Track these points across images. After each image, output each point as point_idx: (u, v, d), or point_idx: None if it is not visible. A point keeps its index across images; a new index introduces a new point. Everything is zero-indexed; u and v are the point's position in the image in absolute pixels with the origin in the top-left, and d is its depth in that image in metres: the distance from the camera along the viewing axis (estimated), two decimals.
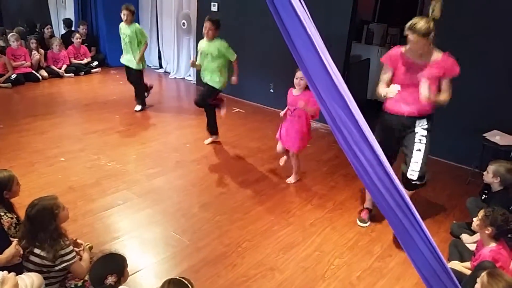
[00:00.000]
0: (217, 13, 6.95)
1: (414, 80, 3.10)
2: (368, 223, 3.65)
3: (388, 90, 3.13)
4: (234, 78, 4.89)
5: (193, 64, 4.97)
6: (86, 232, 3.27)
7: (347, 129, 1.30)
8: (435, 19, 2.95)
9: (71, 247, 2.56)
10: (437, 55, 3.12)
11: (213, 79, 4.80)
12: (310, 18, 1.30)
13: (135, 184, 4.07)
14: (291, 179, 4.35)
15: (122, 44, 6.05)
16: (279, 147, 4.28)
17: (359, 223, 3.66)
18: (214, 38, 4.71)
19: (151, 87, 6.56)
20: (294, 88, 4.04)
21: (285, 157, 4.39)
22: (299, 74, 3.88)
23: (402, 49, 3.20)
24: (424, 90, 3.01)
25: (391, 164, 1.44)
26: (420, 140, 3.23)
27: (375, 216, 3.70)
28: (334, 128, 1.33)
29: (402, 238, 1.37)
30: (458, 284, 1.35)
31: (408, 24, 3.00)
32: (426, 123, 3.24)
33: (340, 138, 1.33)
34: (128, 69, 6.17)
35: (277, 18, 1.29)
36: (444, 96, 3.15)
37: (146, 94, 6.44)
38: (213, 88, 4.84)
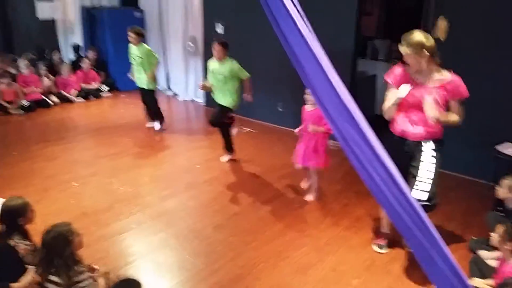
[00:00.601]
0: (222, 34, 7.03)
1: (418, 99, 2.97)
2: (386, 250, 3.50)
3: (397, 93, 3.00)
4: (248, 96, 5.01)
5: (204, 87, 5.04)
6: (101, 257, 3.25)
7: (359, 148, 1.29)
8: (438, 39, 2.88)
9: (87, 273, 2.55)
10: (442, 75, 3.00)
11: (226, 99, 4.87)
12: (315, 37, 1.31)
13: (148, 207, 4.07)
14: (309, 197, 4.33)
15: (134, 66, 6.13)
16: (298, 165, 4.28)
17: (376, 248, 3.50)
18: (225, 59, 4.79)
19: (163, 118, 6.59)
20: (305, 104, 4.08)
21: (306, 179, 4.38)
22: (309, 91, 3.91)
23: (405, 66, 3.12)
24: (430, 109, 2.88)
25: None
26: (430, 160, 3.07)
27: (391, 235, 3.64)
28: (346, 147, 1.32)
29: (421, 257, 1.34)
30: None
31: (403, 36, 2.92)
32: (434, 145, 3.09)
33: (353, 157, 1.32)
34: (141, 90, 6.23)
35: (284, 42, 1.29)
36: (453, 118, 3.00)
37: (159, 125, 6.45)
38: (227, 108, 4.90)
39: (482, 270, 3.06)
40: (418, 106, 2.98)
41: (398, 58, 6.89)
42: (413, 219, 1.28)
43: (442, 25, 2.84)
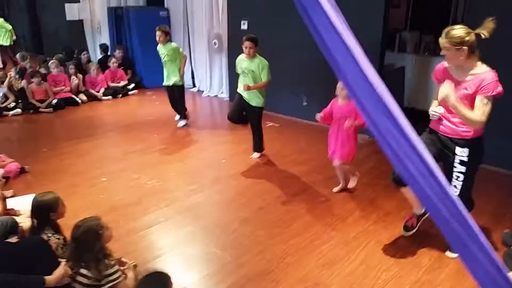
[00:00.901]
0: (247, 31, 7.03)
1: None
2: (413, 231, 3.47)
3: (431, 112, 3.03)
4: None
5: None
6: (130, 250, 3.29)
7: (396, 141, 1.25)
8: (480, 35, 2.73)
9: (116, 267, 2.59)
10: (479, 70, 2.84)
11: (255, 98, 4.84)
12: (349, 28, 1.27)
13: (175, 201, 4.11)
14: (352, 183, 4.34)
15: (163, 65, 6.21)
16: (336, 162, 4.21)
17: (402, 231, 3.49)
18: (255, 56, 4.76)
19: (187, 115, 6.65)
20: (336, 98, 4.06)
21: (340, 185, 4.36)
22: (340, 84, 3.87)
23: (446, 63, 3.00)
24: (446, 88, 2.78)
25: None
26: (460, 167, 2.99)
27: (420, 228, 3.57)
28: (382, 140, 1.28)
29: (460, 250, 1.30)
30: None
31: (445, 30, 2.82)
32: (467, 153, 2.96)
33: (389, 150, 1.28)
34: (170, 88, 6.29)
35: (315, 33, 1.27)
36: (470, 114, 2.76)
37: (184, 122, 6.52)
38: (258, 108, 4.90)
39: None
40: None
41: (427, 50, 6.82)
42: (451, 212, 1.23)
43: (490, 24, 2.72)
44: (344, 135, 4.04)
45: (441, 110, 2.99)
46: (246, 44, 4.71)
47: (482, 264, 1.24)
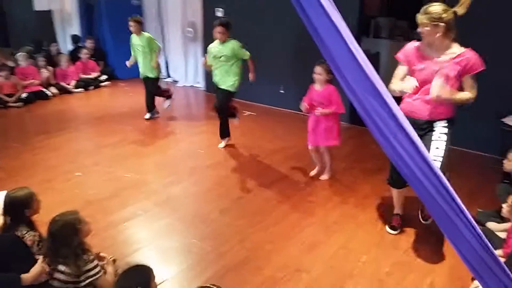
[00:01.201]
0: (222, 18, 6.94)
1: (431, 78, 2.87)
2: (398, 231, 3.44)
3: (404, 86, 2.97)
4: (251, 75, 4.91)
5: (205, 64, 4.94)
6: (108, 245, 3.23)
7: (382, 120, 1.25)
8: (457, 12, 2.77)
9: (95, 262, 2.53)
10: (457, 50, 2.90)
11: (227, 82, 4.80)
12: (336, 8, 1.25)
13: (153, 194, 4.05)
14: (324, 176, 4.32)
15: (137, 55, 6.08)
16: (310, 146, 4.25)
17: (389, 230, 3.43)
18: (227, 40, 4.71)
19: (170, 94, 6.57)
20: (313, 83, 4.06)
21: (316, 168, 4.37)
22: (317, 69, 3.90)
23: (418, 43, 3.03)
24: (435, 87, 2.81)
25: None
26: (439, 137, 3.01)
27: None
28: (368, 120, 1.27)
29: (447, 228, 1.31)
30: (508, 270, 1.29)
31: (423, 7, 2.84)
32: (445, 123, 3.04)
33: (375, 130, 1.28)
34: (145, 79, 6.17)
35: (302, 13, 1.24)
36: (463, 95, 2.90)
37: (168, 102, 6.47)
38: (228, 91, 4.84)
39: (491, 241, 3.02)
40: (428, 83, 2.90)
41: (401, 35, 6.88)
42: (437, 189, 1.25)
43: (466, 0, 2.75)
44: (325, 119, 4.04)
45: (412, 84, 2.95)
46: (219, 29, 4.65)
47: (468, 241, 1.26)
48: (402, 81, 3.05)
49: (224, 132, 5.16)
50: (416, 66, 3.00)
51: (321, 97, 3.97)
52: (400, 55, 3.14)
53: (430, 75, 2.90)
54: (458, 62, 2.87)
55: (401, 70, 3.13)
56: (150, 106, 6.33)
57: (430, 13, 2.79)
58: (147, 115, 6.32)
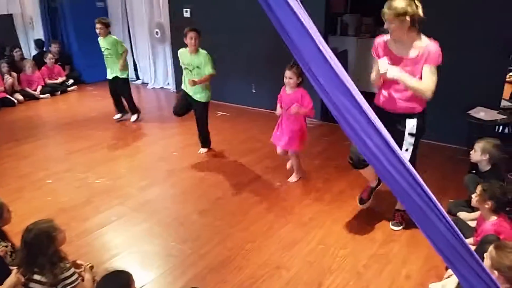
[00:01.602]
0: (190, 18, 6.91)
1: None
2: (368, 202, 3.60)
3: (376, 68, 2.99)
4: (196, 81, 4.57)
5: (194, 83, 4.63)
6: (84, 252, 3.17)
7: (353, 118, 1.28)
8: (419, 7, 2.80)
9: (72, 270, 2.48)
10: (421, 43, 2.91)
11: (199, 93, 4.71)
12: (302, 8, 1.28)
13: (128, 198, 3.99)
14: (292, 178, 4.29)
15: (104, 59, 5.98)
16: (279, 150, 4.22)
17: (358, 204, 3.62)
18: (199, 50, 4.59)
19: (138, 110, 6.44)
20: (284, 87, 4.03)
21: (289, 161, 4.37)
22: (287, 73, 3.86)
23: (386, 37, 3.04)
24: (382, 65, 2.88)
25: None
26: (409, 141, 3.07)
27: (372, 205, 3.71)
28: (340, 118, 1.30)
29: (419, 219, 1.36)
30: (477, 257, 1.35)
31: (387, 2, 2.84)
32: (414, 126, 3.05)
33: (347, 127, 1.31)
34: (112, 81, 6.06)
35: (269, 11, 1.26)
36: (418, 84, 2.88)
37: (135, 116, 6.34)
38: (203, 102, 4.78)
39: (462, 230, 3.12)
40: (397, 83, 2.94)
41: (367, 32, 7.02)
42: (409, 183, 1.29)
43: None
44: (292, 124, 4.02)
45: (383, 63, 2.94)
46: (192, 35, 4.46)
47: (441, 232, 1.31)
48: None
49: (205, 140, 5.09)
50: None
51: (292, 101, 3.93)
52: (374, 51, 3.14)
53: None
54: (420, 56, 2.90)
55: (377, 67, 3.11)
56: (120, 107, 6.26)
57: (395, 8, 2.78)
58: (133, 118, 6.25)
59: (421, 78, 2.91)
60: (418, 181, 1.29)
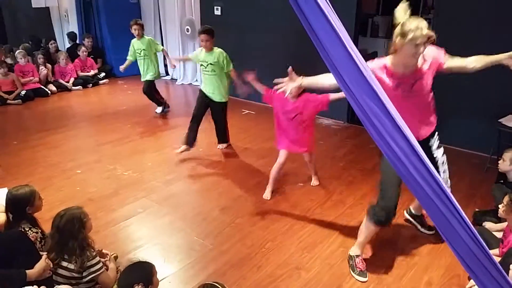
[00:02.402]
0: (220, 16, 6.97)
1: (409, 95, 2.57)
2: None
3: None
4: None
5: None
6: (109, 242, 3.27)
7: (379, 121, 1.28)
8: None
9: (97, 258, 2.57)
10: (421, 58, 2.53)
11: (217, 93, 4.80)
12: (334, 11, 1.29)
13: (153, 192, 4.08)
14: (315, 182, 4.26)
15: (138, 59, 6.14)
16: (285, 156, 3.94)
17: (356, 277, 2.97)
18: (213, 49, 4.68)
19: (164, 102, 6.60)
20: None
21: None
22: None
23: (386, 61, 2.58)
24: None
25: None
26: (443, 162, 2.91)
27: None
28: (366, 120, 1.31)
29: (442, 227, 1.35)
30: (501, 268, 1.33)
31: (398, 29, 2.39)
32: (437, 140, 2.86)
33: (373, 130, 1.31)
34: (146, 82, 6.25)
35: (300, 14, 1.27)
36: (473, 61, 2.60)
37: (160, 108, 6.52)
38: (221, 102, 4.88)
39: (487, 241, 3.08)
40: (409, 102, 2.57)
41: None
42: (433, 188, 1.28)
43: None
44: (305, 129, 3.83)
45: None
46: (202, 37, 4.59)
47: (465, 241, 1.30)
48: None
49: (223, 137, 5.17)
50: (388, 85, 2.55)
51: (298, 108, 3.74)
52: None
53: (408, 94, 2.58)
54: (430, 68, 2.60)
55: None
56: (158, 101, 6.44)
57: (428, 32, 2.36)
58: (159, 109, 6.43)
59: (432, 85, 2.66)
60: (442, 187, 1.29)
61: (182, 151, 4.88)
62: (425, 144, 2.81)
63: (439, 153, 2.90)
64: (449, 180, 2.98)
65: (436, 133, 2.89)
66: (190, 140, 4.90)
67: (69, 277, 2.46)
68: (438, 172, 2.89)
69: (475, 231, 1.31)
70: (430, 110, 2.79)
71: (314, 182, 4.29)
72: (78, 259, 2.42)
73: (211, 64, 4.68)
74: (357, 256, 3.02)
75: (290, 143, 3.89)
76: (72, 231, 2.44)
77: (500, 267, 1.34)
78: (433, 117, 2.82)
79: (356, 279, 2.91)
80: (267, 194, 4.00)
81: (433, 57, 2.59)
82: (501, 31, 4.44)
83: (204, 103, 4.93)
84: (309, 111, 3.76)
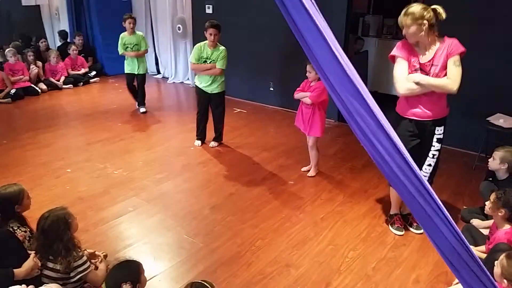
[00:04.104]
0: (212, 15, 6.96)
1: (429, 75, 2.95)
2: (403, 231, 3.45)
3: (414, 78, 2.95)
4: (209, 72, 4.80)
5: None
6: (99, 241, 3.27)
7: (363, 120, 1.29)
8: (436, 10, 2.84)
9: (84, 257, 2.56)
10: (439, 43, 2.95)
11: (218, 86, 4.87)
12: (318, 10, 1.29)
13: (144, 190, 4.08)
14: (311, 173, 4.38)
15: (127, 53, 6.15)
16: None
17: (394, 231, 3.43)
18: (217, 45, 4.75)
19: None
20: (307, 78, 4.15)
21: (309, 166, 4.46)
22: (308, 67, 3.99)
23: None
24: (410, 77, 2.97)
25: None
26: (435, 146, 3.14)
27: (385, 208, 3.70)
28: (350, 120, 1.32)
29: (425, 224, 1.36)
30: (482, 264, 1.35)
31: (404, 9, 2.90)
32: (442, 131, 3.13)
33: (357, 129, 1.32)
34: (131, 76, 6.26)
35: (285, 13, 1.28)
36: (441, 81, 2.90)
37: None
38: (222, 91, 4.94)
39: (474, 237, 3.14)
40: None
41: (388, 34, 6.97)
42: (416, 187, 1.29)
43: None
44: (312, 112, 4.13)
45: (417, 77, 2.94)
46: (211, 31, 4.61)
47: (447, 238, 1.31)
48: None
49: (220, 134, 5.22)
50: (412, 67, 3.01)
51: (311, 91, 4.08)
52: (397, 52, 3.05)
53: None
54: (441, 54, 2.93)
55: (403, 66, 3.02)
56: (142, 100, 6.43)
57: (413, 13, 2.84)
58: (143, 109, 6.41)
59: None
60: (425, 186, 1.30)
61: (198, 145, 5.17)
62: (431, 128, 3.10)
63: (436, 146, 3.14)
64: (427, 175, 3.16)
65: (443, 126, 3.12)
66: (203, 136, 5.20)
67: (56, 278, 2.44)
68: (425, 160, 3.13)
69: (458, 229, 1.33)
70: (441, 96, 3.04)
71: (311, 173, 4.35)
72: (64, 260, 2.41)
73: (213, 61, 4.74)
74: (396, 214, 3.48)
75: (301, 121, 4.27)
76: (57, 233, 2.42)
77: (482, 264, 1.36)
78: (444, 106, 3.09)
79: (394, 233, 3.38)
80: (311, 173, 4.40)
81: (449, 44, 2.91)
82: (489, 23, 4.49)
83: (204, 97, 4.99)
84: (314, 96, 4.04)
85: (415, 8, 2.86)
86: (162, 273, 2.95)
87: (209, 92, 4.88)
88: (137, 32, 6.13)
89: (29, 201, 2.89)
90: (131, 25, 5.97)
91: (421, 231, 3.41)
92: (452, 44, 2.92)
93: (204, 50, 4.77)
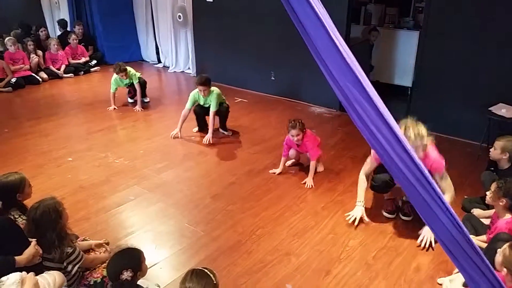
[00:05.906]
0: (212, 3, 6.91)
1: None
2: (395, 214, 3.53)
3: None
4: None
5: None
6: (100, 229, 3.28)
7: (362, 108, 1.28)
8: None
9: (75, 246, 2.56)
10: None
11: (210, 103, 5.03)
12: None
13: (145, 179, 4.08)
14: (320, 168, 4.32)
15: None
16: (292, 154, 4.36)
17: (386, 214, 3.52)
18: (210, 91, 4.95)
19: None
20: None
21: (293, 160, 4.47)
22: (293, 132, 3.99)
23: None
24: None
25: None
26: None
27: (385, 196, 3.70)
28: (349, 108, 1.31)
29: (424, 212, 1.37)
30: (481, 253, 1.35)
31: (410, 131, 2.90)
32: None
33: (356, 117, 1.31)
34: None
35: (286, 4, 1.27)
36: (447, 198, 2.92)
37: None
38: (215, 111, 5.05)
39: (475, 227, 3.14)
40: None
41: (391, 23, 6.92)
42: (416, 177, 1.29)
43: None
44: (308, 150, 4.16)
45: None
46: (200, 88, 4.88)
47: (446, 226, 1.31)
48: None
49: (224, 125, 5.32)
50: None
51: (305, 150, 4.16)
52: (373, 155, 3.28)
53: None
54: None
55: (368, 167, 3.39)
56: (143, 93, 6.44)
57: (421, 135, 2.89)
58: (145, 99, 6.45)
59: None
60: (425, 174, 1.30)
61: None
62: None
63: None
64: None
65: None
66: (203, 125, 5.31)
67: (54, 268, 2.45)
68: None
69: (457, 218, 1.33)
70: None
71: (320, 168, 4.32)
72: (57, 249, 2.41)
73: (209, 104, 5.03)
74: (388, 199, 3.57)
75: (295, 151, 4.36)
76: (49, 222, 2.41)
77: (481, 253, 1.36)
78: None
79: (403, 219, 3.46)
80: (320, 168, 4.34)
81: (432, 161, 3.01)
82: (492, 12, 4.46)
83: (202, 111, 5.19)
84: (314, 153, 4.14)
85: (420, 129, 2.91)
86: (163, 260, 2.96)
87: (204, 106, 5.13)
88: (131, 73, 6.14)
89: (30, 189, 2.90)
90: (124, 76, 6.04)
91: (410, 217, 3.47)
92: (434, 163, 3.02)
93: (199, 98, 5.05)
